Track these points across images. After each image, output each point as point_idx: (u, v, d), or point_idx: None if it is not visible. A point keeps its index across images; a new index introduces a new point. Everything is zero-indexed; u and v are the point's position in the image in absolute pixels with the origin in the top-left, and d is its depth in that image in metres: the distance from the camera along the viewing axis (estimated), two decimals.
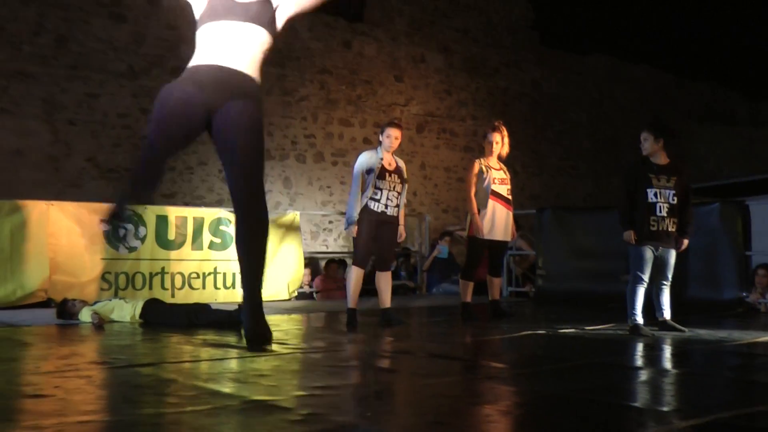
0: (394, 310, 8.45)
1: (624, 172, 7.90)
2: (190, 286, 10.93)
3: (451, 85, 17.45)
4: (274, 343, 6.05)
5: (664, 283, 7.52)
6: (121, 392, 4.49)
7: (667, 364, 6.03)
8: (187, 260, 10.97)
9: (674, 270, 7.58)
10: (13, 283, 9.69)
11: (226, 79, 5.04)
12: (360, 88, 15.83)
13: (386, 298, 8.30)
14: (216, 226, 11.14)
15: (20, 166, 11.92)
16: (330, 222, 15.15)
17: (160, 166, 5.06)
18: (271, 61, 14.85)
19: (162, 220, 10.85)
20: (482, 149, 9.23)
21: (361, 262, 8.23)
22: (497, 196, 8.91)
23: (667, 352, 6.49)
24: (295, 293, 12.12)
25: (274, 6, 5.27)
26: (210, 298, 10.47)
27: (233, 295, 10.92)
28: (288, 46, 14.40)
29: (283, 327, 7.95)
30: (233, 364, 5.43)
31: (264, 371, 4.95)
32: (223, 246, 11.16)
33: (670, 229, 7.39)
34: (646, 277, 7.43)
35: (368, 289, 9.88)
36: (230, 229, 10.89)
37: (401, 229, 8.38)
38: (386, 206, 8.14)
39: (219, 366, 5.41)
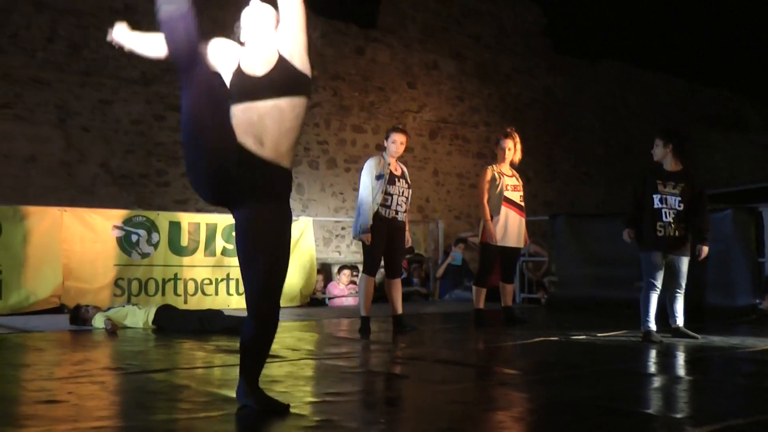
0: (406, 316, 8.45)
1: (635, 177, 7.92)
2: (203, 292, 10.94)
3: (464, 91, 17.44)
4: (287, 349, 6.06)
5: (678, 291, 7.49)
6: (135, 398, 4.51)
7: (680, 370, 6.02)
8: (199, 266, 10.99)
9: (691, 277, 7.56)
10: (26, 289, 9.71)
11: (256, 175, 3.94)
12: (373, 95, 15.83)
13: (398, 305, 8.30)
14: (229, 232, 11.13)
15: (34, 173, 11.95)
16: (342, 228, 15.13)
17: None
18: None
19: (175, 227, 10.86)
20: (495, 156, 9.22)
21: (372, 270, 8.22)
22: (510, 202, 8.90)
23: (680, 358, 6.48)
24: (308, 299, 12.12)
25: (287, 53, 4.08)
26: (223, 305, 10.48)
27: (245, 302, 10.90)
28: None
29: (295, 333, 7.96)
30: None
31: (277, 377, 4.95)
32: (236, 252, 11.14)
33: (677, 235, 7.37)
34: (657, 283, 7.40)
35: (380, 295, 9.88)
36: None
37: (407, 234, 8.40)
38: (396, 212, 8.14)
39: (232, 372, 5.42)
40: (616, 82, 20.80)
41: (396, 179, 8.17)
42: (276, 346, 5.63)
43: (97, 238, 10.28)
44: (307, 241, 12.10)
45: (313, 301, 12.44)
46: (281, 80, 3.99)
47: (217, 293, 11.04)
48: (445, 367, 5.93)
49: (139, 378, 5.10)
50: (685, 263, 7.44)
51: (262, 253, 3.98)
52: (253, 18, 4.13)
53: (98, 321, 8.15)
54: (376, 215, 8.03)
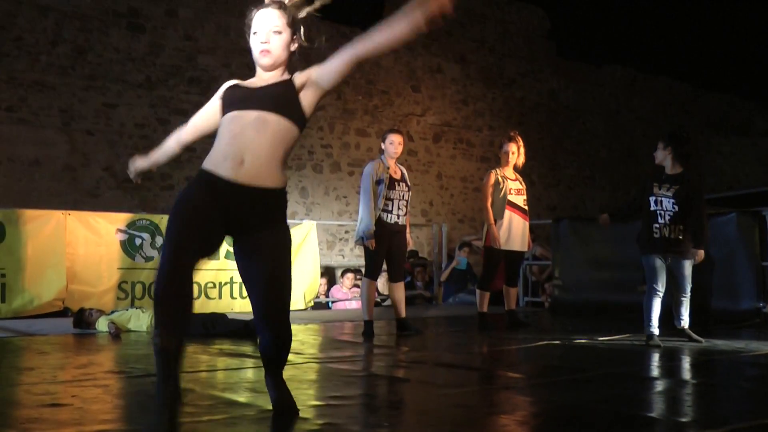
0: (410, 320, 8.45)
1: (640, 181, 7.96)
2: (207, 296, 10.94)
3: (468, 95, 17.45)
4: (290, 352, 6.05)
5: (683, 296, 7.45)
6: (138, 401, 4.51)
7: (684, 374, 6.01)
8: (203, 270, 10.98)
9: (695, 280, 7.54)
10: (30, 292, 9.71)
11: (250, 207, 3.78)
12: (377, 98, 15.84)
13: (401, 309, 8.30)
14: None
15: (38, 176, 11.98)
16: (346, 232, 15.15)
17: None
18: (289, 71, 14.89)
19: None
20: (498, 159, 9.22)
21: (374, 274, 8.24)
22: (514, 206, 8.91)
23: (684, 362, 6.47)
24: (312, 303, 12.12)
25: (314, 77, 3.90)
26: (226, 308, 10.49)
27: (249, 305, 10.91)
28: (305, 56, 14.39)
29: (299, 337, 7.96)
30: (249, 374, 5.44)
31: None
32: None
33: (673, 237, 7.35)
34: (659, 286, 7.39)
35: (383, 299, 9.88)
36: None
37: (408, 236, 8.41)
38: (398, 216, 8.17)
39: (235, 375, 5.42)
40: (621, 86, 20.81)
41: (396, 183, 8.19)
42: None
43: (101, 241, 10.29)
44: (310, 244, 12.09)
45: (317, 305, 12.44)
46: (276, 97, 3.81)
47: (220, 297, 11.04)
48: (449, 370, 5.92)
49: (142, 381, 5.10)
50: (686, 267, 7.42)
51: (272, 278, 3.89)
52: (265, 23, 3.88)
53: (102, 324, 8.16)
54: (378, 220, 8.05)
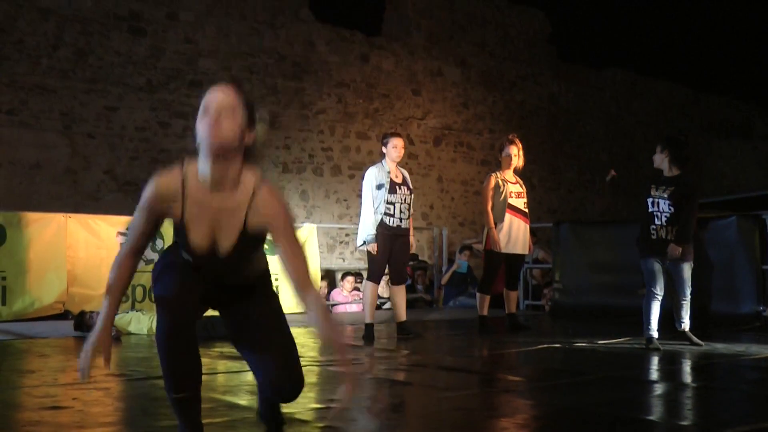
0: (410, 323, 8.45)
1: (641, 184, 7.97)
2: None
3: (468, 98, 17.45)
4: None
5: (683, 299, 7.44)
6: (139, 404, 4.52)
7: (684, 377, 6.02)
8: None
9: (695, 284, 7.54)
10: (30, 295, 9.71)
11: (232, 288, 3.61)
12: (377, 102, 15.84)
13: (402, 312, 8.31)
14: None
15: (39, 179, 11.97)
16: (347, 235, 15.13)
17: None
18: (289, 74, 14.98)
19: None
20: (499, 163, 9.23)
21: (376, 278, 8.24)
22: (514, 209, 8.91)
23: (684, 365, 6.48)
24: None
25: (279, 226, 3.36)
26: None
27: None
28: (306, 59, 14.45)
29: (299, 340, 7.95)
30: (250, 377, 5.44)
31: None
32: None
33: (670, 238, 7.34)
34: (658, 290, 7.39)
35: (383, 302, 9.88)
36: None
37: (411, 239, 8.41)
38: (400, 220, 8.17)
39: (236, 378, 5.42)
40: (621, 89, 20.82)
41: (397, 187, 8.19)
42: None
43: (102, 244, 10.28)
44: (310, 247, 12.09)
45: None
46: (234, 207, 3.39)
47: None
48: (449, 373, 5.93)
49: (143, 384, 5.11)
50: (685, 270, 7.40)
51: (273, 344, 3.64)
52: (220, 108, 3.25)
53: None
54: (380, 224, 8.06)
